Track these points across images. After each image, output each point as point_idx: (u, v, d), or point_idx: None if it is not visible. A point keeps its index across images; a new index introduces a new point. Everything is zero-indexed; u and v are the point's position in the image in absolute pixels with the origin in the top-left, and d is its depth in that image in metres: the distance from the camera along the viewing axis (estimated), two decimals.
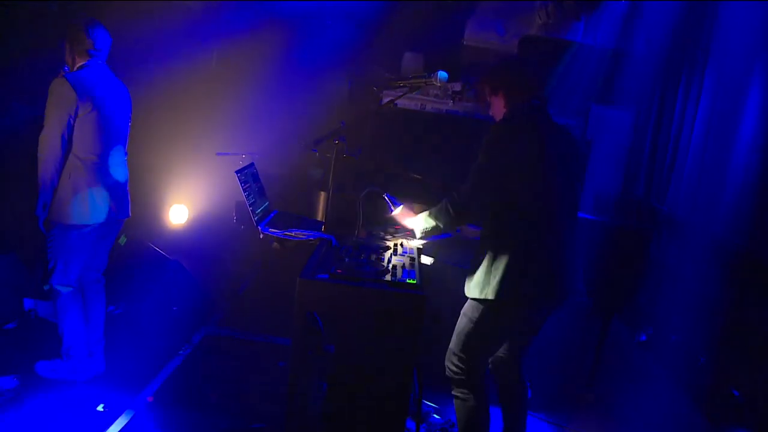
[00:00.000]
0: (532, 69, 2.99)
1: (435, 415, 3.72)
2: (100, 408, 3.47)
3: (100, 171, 3.54)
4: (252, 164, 3.66)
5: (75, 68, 3.50)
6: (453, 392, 3.02)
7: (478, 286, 2.85)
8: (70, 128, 3.39)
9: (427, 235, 3.12)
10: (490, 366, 3.20)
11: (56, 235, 3.51)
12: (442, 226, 3.03)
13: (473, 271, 2.89)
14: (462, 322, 2.96)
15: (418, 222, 3.12)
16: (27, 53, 4.47)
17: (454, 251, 3.63)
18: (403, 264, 2.94)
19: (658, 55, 6.30)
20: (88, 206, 3.49)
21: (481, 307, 2.86)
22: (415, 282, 2.69)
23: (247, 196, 3.32)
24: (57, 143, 3.37)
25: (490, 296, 2.79)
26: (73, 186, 3.45)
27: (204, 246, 5.42)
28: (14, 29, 4.46)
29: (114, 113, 3.58)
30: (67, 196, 3.44)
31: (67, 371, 3.66)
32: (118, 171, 3.65)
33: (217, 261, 5.33)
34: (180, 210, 5.56)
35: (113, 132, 3.59)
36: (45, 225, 3.48)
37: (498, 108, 3.00)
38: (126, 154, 3.75)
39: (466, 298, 2.95)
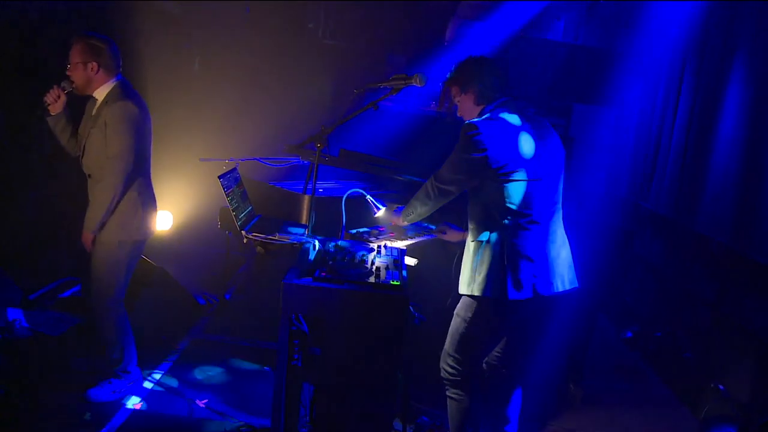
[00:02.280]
0: (498, 65, 2.95)
1: (423, 416, 3.72)
2: (86, 417, 3.45)
3: (150, 187, 3.60)
4: (235, 169, 3.66)
5: (104, 89, 3.40)
6: (448, 393, 3.01)
7: (465, 282, 2.87)
8: (142, 151, 3.43)
9: (410, 216, 3.16)
10: (484, 365, 3.19)
11: (116, 254, 3.46)
12: (423, 203, 3.04)
13: (463, 267, 2.90)
14: (455, 322, 2.96)
15: (404, 209, 3.18)
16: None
17: (440, 253, 3.64)
18: (387, 265, 2.94)
19: (639, 54, 6.36)
20: (150, 221, 3.56)
21: (473, 305, 2.87)
22: (398, 283, 2.70)
23: (230, 201, 3.32)
24: (130, 168, 3.36)
25: (476, 292, 2.80)
26: (142, 203, 3.48)
27: (189, 252, 5.41)
28: None
29: (151, 129, 3.58)
30: (136, 212, 3.46)
31: (127, 387, 3.67)
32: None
33: (203, 267, 5.32)
34: (165, 216, 5.54)
35: (150, 147, 3.61)
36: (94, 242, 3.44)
37: (466, 107, 2.97)
38: None
39: (450, 298, 2.96)
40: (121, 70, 3.47)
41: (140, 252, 3.64)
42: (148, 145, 3.53)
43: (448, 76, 3.02)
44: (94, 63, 3.35)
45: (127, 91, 3.43)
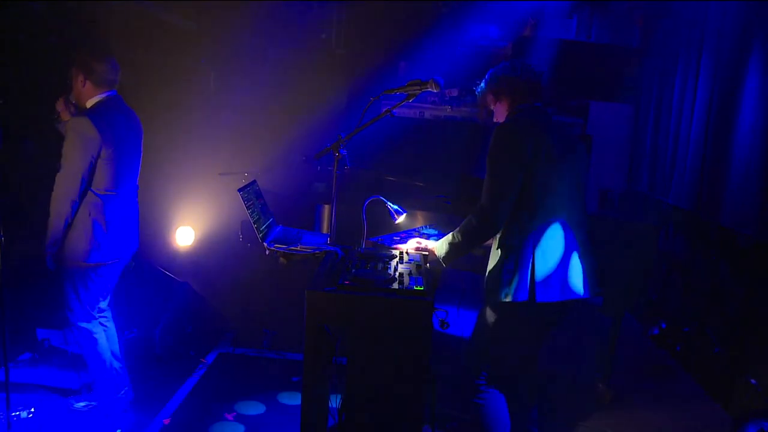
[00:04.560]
0: (532, 71, 2.98)
1: (453, 422, 3.71)
2: None
3: (118, 206, 3.48)
4: (254, 182, 3.68)
5: (90, 102, 3.40)
6: (477, 398, 3.00)
7: (495, 288, 2.83)
8: (91, 168, 3.31)
9: (450, 258, 2.98)
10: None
11: (74, 274, 3.43)
12: (469, 242, 2.89)
13: (490, 274, 2.88)
14: (484, 328, 2.95)
15: (440, 247, 3.00)
16: (34, 88, 4.49)
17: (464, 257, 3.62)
18: (410, 271, 2.94)
19: (652, 47, 6.32)
20: (106, 243, 3.43)
21: (503, 310, 2.86)
22: (422, 288, 2.70)
23: (251, 214, 3.33)
24: (77, 184, 3.28)
25: (509, 299, 2.78)
26: (93, 224, 3.37)
27: (212, 266, 5.45)
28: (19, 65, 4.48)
29: (131, 147, 3.53)
30: (87, 234, 3.36)
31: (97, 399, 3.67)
32: (132, 204, 3.62)
33: (226, 280, 5.35)
34: (186, 232, 5.59)
35: (130, 166, 3.55)
36: (54, 261, 3.40)
37: (501, 114, 3.00)
38: (138, 186, 3.70)
39: (480, 301, 2.94)
40: (114, 86, 3.46)
41: (104, 273, 3.52)
42: (117, 165, 3.41)
43: (482, 84, 3.05)
44: (82, 76, 3.38)
45: (98, 106, 3.39)
